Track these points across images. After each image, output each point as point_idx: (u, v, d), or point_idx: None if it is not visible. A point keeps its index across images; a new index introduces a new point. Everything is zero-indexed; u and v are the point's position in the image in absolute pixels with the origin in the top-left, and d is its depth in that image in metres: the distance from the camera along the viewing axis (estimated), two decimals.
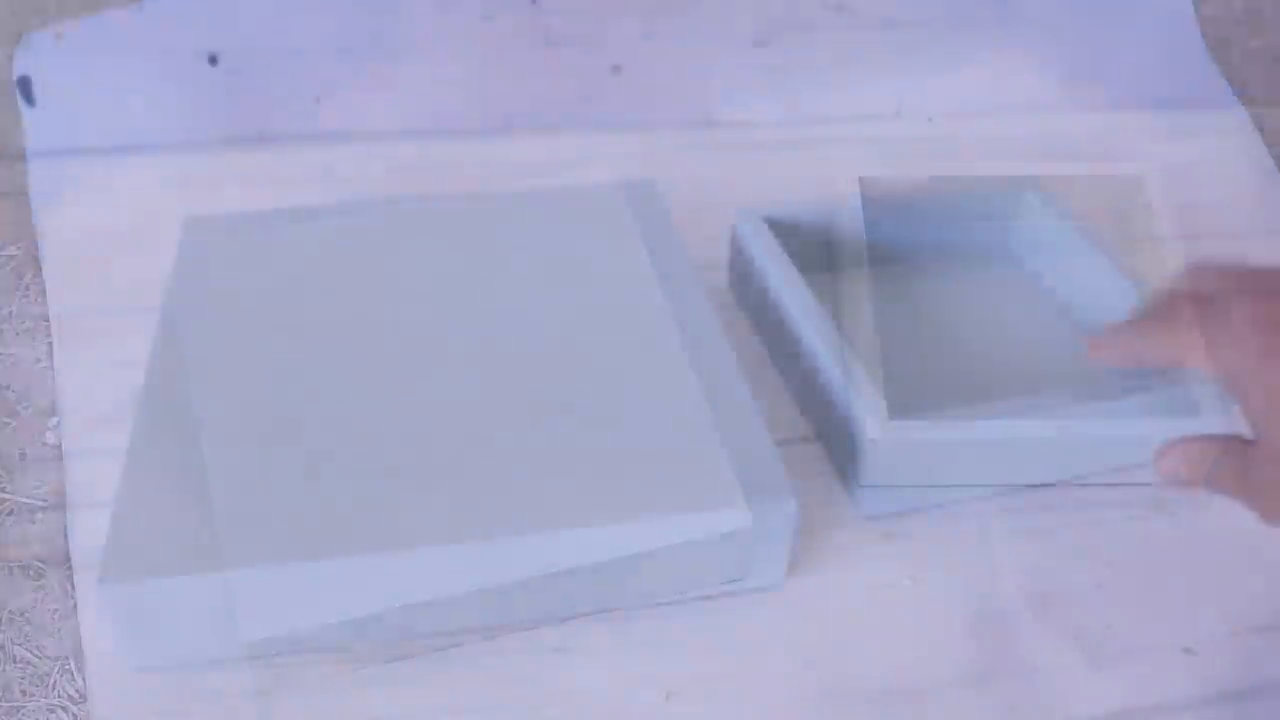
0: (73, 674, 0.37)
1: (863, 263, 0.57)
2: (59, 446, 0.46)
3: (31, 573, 0.40)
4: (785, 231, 0.54)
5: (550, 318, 0.47)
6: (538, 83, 0.70)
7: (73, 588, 0.40)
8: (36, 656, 0.38)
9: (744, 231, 0.53)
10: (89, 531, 0.41)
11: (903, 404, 0.47)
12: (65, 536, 0.42)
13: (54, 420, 0.47)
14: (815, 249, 0.55)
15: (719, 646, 0.39)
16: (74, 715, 0.36)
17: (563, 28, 0.68)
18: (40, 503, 0.43)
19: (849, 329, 0.52)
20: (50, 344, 0.52)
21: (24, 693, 0.36)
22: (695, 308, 0.47)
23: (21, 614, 0.39)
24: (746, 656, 0.39)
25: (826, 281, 0.55)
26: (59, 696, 0.36)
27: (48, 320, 0.53)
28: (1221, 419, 0.44)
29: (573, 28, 0.68)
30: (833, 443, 0.46)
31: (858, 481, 0.44)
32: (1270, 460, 0.32)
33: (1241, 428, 0.34)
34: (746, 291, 0.54)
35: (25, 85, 0.65)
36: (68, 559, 0.41)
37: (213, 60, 0.66)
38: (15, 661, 0.37)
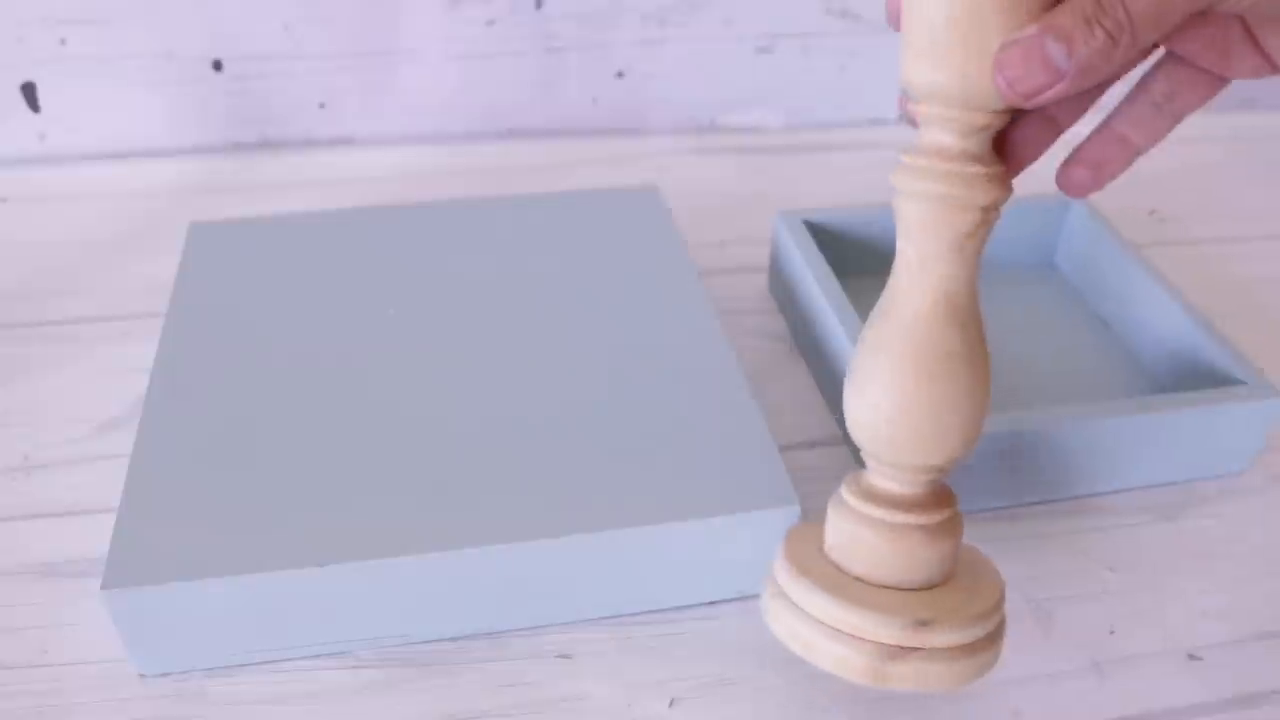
0: (76, 679, 0.37)
1: None
2: (63, 452, 0.46)
3: (36, 578, 0.41)
4: (825, 235, 0.54)
5: (578, 317, 0.47)
6: (541, 88, 0.70)
7: (77, 592, 0.40)
8: (40, 662, 0.38)
9: (782, 233, 0.53)
10: (94, 536, 0.41)
11: None
12: (71, 541, 0.42)
13: (58, 426, 0.47)
14: (855, 253, 0.55)
15: (723, 652, 0.39)
16: None
17: (566, 33, 0.68)
18: (45, 507, 0.43)
19: None
20: (54, 350, 0.52)
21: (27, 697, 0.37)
22: (700, 313, 0.47)
23: (26, 618, 0.39)
24: (750, 662, 0.39)
25: (864, 286, 0.55)
26: (63, 701, 0.36)
27: (51, 325, 0.54)
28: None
29: (576, 33, 0.69)
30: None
31: None
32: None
33: None
34: (783, 293, 0.54)
35: (29, 90, 0.65)
36: (73, 564, 0.41)
37: (217, 66, 0.66)
38: (19, 667, 0.37)
